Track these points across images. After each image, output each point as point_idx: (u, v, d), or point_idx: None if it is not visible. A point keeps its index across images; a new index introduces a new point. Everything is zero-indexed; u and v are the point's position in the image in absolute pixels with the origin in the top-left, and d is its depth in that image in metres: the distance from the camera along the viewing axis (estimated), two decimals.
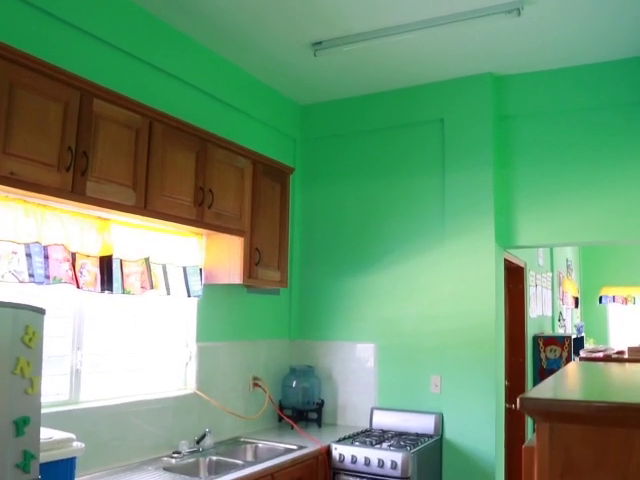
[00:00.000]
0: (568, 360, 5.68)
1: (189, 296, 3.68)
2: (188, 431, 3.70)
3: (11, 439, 1.93)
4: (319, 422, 4.50)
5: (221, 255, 3.78)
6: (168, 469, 3.27)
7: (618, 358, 2.17)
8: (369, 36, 3.78)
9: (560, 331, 7.31)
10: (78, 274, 3.00)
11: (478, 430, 4.09)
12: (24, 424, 1.96)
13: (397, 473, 3.67)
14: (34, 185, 2.54)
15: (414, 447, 3.83)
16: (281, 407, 4.54)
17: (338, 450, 3.87)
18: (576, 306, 8.72)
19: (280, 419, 4.53)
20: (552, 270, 7.08)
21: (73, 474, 2.49)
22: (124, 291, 3.26)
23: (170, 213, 3.21)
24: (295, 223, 4.82)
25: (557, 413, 1.16)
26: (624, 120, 4.01)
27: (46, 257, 2.84)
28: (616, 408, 1.14)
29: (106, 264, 3.16)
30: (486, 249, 4.18)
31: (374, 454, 3.76)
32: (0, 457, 1.89)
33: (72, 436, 2.52)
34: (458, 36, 3.79)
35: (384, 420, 4.39)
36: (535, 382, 5.70)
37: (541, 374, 5.74)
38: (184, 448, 3.55)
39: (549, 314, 6.87)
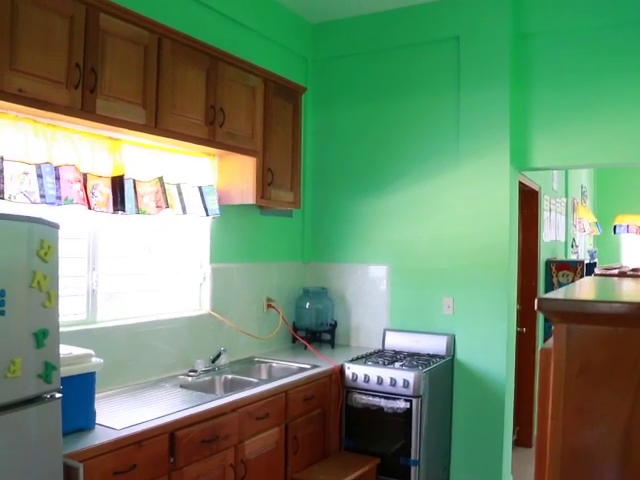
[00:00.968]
0: None
1: (207, 215, 3.67)
2: (203, 350, 3.77)
3: (32, 350, 1.97)
4: (332, 343, 4.56)
5: (234, 176, 3.76)
6: (184, 386, 3.35)
7: (634, 274, 2.16)
8: None
9: (573, 257, 7.29)
10: (90, 195, 3.00)
11: (489, 352, 4.13)
12: (44, 336, 2.00)
13: (409, 392, 3.74)
14: (43, 103, 2.51)
15: (426, 367, 3.89)
16: (295, 328, 4.60)
17: (351, 369, 3.93)
18: (591, 233, 8.66)
19: (294, 340, 4.60)
20: (566, 195, 7.00)
21: (93, 388, 2.56)
22: (139, 211, 3.26)
23: (181, 132, 3.17)
24: (307, 145, 4.75)
25: (575, 314, 1.15)
26: None
27: (57, 178, 2.83)
28: (635, 308, 1.13)
29: (118, 184, 3.14)
30: (501, 171, 4.12)
31: (386, 373, 3.82)
32: (23, 368, 1.93)
33: (91, 352, 2.57)
34: None
35: (396, 341, 4.44)
36: None
37: None
38: (200, 367, 3.62)
39: (562, 240, 6.84)
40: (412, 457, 3.75)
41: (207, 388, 3.48)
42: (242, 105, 3.61)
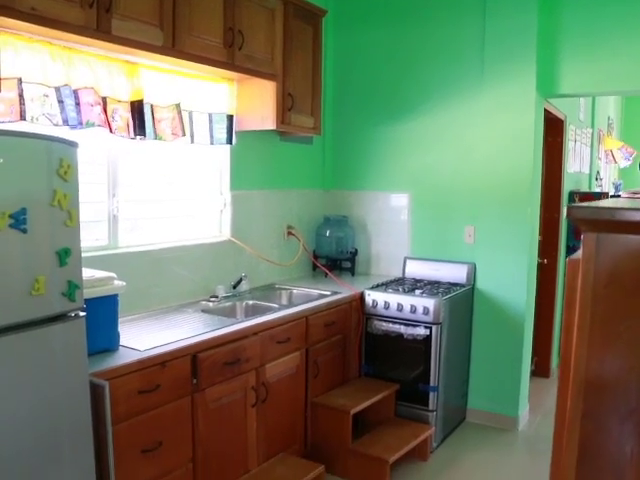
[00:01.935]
0: None
1: (212, 144, 3.63)
2: (224, 277, 3.79)
3: (55, 269, 1.98)
4: (352, 271, 4.57)
5: (253, 101, 3.70)
6: (206, 311, 3.39)
7: None
8: None
9: (597, 189, 7.17)
10: (110, 119, 2.97)
11: (510, 281, 4.12)
12: (66, 255, 2.01)
13: (429, 319, 3.76)
14: (57, 22, 2.44)
15: (446, 294, 3.89)
16: (315, 256, 4.61)
17: (371, 296, 3.95)
18: (616, 162, 8.48)
19: (314, 268, 4.61)
20: (592, 126, 6.83)
21: (116, 310, 2.59)
22: (156, 137, 3.23)
23: (199, 54, 3.10)
24: (328, 69, 4.64)
25: (605, 221, 1.12)
26: None
27: (77, 103, 2.80)
28: None
29: (137, 109, 3.11)
30: (526, 97, 4.00)
31: (407, 300, 3.83)
32: (47, 286, 1.95)
33: (113, 275, 2.59)
34: None
35: (417, 269, 4.44)
36: (569, 238, 5.67)
37: (576, 230, 5.69)
38: (221, 292, 3.66)
39: (586, 172, 6.71)
40: (431, 383, 3.80)
41: (228, 313, 3.51)
42: (261, 27, 3.51)
